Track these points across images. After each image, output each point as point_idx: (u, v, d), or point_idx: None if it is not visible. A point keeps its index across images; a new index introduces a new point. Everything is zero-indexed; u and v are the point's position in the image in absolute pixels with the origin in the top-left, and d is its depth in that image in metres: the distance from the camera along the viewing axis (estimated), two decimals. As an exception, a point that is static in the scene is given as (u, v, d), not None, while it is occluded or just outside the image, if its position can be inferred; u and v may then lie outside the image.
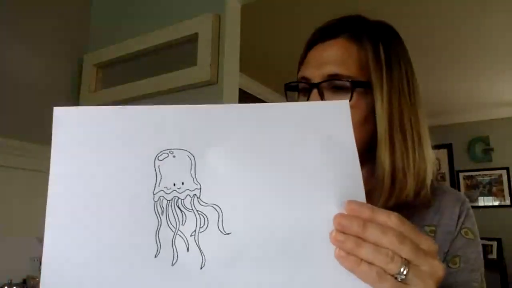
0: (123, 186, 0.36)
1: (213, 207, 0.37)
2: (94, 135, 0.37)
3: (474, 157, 4.19)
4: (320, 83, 0.63)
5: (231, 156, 0.38)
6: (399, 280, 0.37)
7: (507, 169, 4.06)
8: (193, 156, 0.38)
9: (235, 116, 0.39)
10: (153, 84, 1.46)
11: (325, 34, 0.68)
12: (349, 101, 0.59)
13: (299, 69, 0.71)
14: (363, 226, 0.37)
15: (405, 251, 0.37)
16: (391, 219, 0.38)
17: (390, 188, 0.60)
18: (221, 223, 0.36)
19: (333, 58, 0.65)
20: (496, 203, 4.08)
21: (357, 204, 0.38)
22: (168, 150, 0.37)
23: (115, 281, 0.35)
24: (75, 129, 0.37)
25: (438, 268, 0.38)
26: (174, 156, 0.37)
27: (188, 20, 1.45)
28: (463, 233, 0.64)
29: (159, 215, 0.36)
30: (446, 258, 0.62)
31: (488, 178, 4.15)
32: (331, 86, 0.63)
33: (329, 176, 0.38)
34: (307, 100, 0.63)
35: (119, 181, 0.36)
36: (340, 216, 0.38)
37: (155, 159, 0.37)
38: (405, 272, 0.37)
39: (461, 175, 4.23)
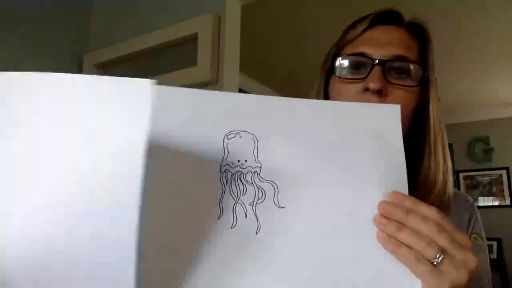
0: (197, 158, 0.42)
1: (270, 183, 0.42)
2: (185, 112, 0.43)
3: (474, 157, 4.19)
4: (387, 60, 0.59)
5: (289, 142, 0.43)
6: (435, 264, 0.40)
7: (507, 169, 4.06)
8: (257, 139, 0.43)
9: (297, 109, 0.45)
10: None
11: (387, 18, 0.65)
12: (414, 86, 0.60)
13: (340, 48, 0.66)
14: (405, 213, 0.41)
15: (442, 240, 0.40)
16: (431, 211, 0.42)
17: (430, 187, 0.60)
18: (276, 198, 0.42)
19: (399, 41, 0.62)
20: (496, 203, 4.08)
21: (401, 194, 0.43)
22: (236, 131, 0.43)
23: (185, 237, 0.40)
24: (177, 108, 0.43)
25: (471, 260, 0.41)
26: (240, 137, 0.43)
27: (188, 20, 1.45)
28: (472, 239, 0.64)
29: (223, 184, 0.42)
30: None
31: (488, 178, 4.15)
32: (394, 67, 0.60)
33: (376, 170, 0.43)
34: (366, 76, 0.59)
35: (194, 153, 0.42)
36: (384, 202, 0.42)
37: (224, 137, 0.43)
38: (440, 258, 0.40)
39: (461, 175, 4.23)
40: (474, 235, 0.64)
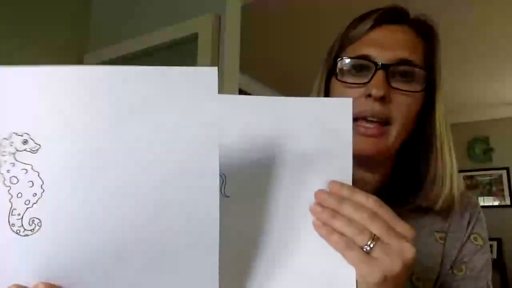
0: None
1: (220, 174, 0.41)
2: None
3: (474, 157, 4.19)
4: (390, 65, 0.57)
5: (237, 136, 0.44)
6: (366, 251, 0.41)
7: (507, 169, 4.06)
8: None
9: (251, 104, 0.45)
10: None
11: (392, 16, 0.62)
12: (419, 92, 0.58)
13: (343, 47, 0.64)
14: (339, 201, 0.42)
15: (375, 228, 0.41)
16: (368, 200, 0.42)
17: (437, 191, 0.60)
18: (223, 188, 0.43)
19: (404, 43, 0.60)
20: (496, 203, 4.08)
21: (339, 183, 0.44)
22: None
23: None
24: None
25: (407, 250, 0.41)
26: None
27: (188, 20, 1.45)
28: (472, 239, 0.63)
29: None
30: (453, 264, 0.61)
31: (488, 178, 4.14)
32: (399, 71, 0.58)
33: (321, 162, 0.44)
34: (369, 80, 0.57)
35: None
36: (320, 191, 0.44)
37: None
38: (371, 245, 0.41)
39: (461, 175, 4.23)
40: (474, 235, 0.62)
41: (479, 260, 0.61)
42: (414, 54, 0.59)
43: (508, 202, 4.03)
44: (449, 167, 0.60)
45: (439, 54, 0.62)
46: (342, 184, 0.43)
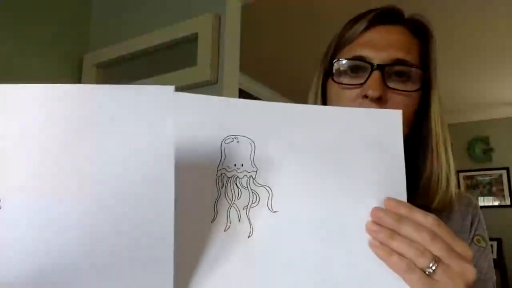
0: (195, 161, 0.43)
1: (265, 188, 0.43)
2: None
3: (474, 157, 4.19)
4: (386, 65, 0.58)
5: (286, 148, 0.44)
6: (427, 273, 0.39)
7: (507, 169, 4.06)
8: (254, 143, 0.44)
9: (296, 114, 0.45)
10: (153, 84, 1.46)
11: (387, 17, 0.62)
12: (415, 91, 0.58)
13: (339, 48, 0.64)
14: (398, 220, 0.40)
15: (436, 249, 0.39)
16: (427, 219, 0.40)
17: (433, 190, 0.59)
18: (270, 202, 0.43)
19: (399, 43, 0.60)
20: (496, 203, 4.08)
21: (396, 201, 0.41)
22: (234, 136, 0.44)
23: (180, 239, 0.40)
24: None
25: (469, 271, 0.39)
26: (238, 141, 0.44)
27: (188, 20, 1.45)
28: (475, 241, 0.62)
29: (219, 188, 0.43)
30: None
31: (488, 178, 4.15)
32: (394, 71, 0.58)
33: (374, 176, 0.43)
34: (365, 81, 0.57)
35: (192, 156, 0.43)
36: (377, 208, 0.41)
37: (222, 142, 0.43)
38: (434, 268, 0.39)
39: (461, 175, 4.23)
40: (477, 237, 0.62)
41: (484, 262, 0.61)
42: (409, 54, 0.59)
43: (508, 202, 4.03)
44: (445, 167, 0.60)
45: (434, 53, 0.63)
46: (399, 202, 0.41)
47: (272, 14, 2.41)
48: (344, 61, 0.61)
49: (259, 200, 0.42)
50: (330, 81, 0.63)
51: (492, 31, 2.56)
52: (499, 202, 4.07)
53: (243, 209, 0.42)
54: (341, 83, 0.60)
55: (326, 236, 0.42)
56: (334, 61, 0.62)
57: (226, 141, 0.43)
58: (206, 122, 0.43)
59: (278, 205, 0.42)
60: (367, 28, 0.61)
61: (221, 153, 0.43)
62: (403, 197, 0.42)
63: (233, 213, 0.42)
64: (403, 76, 0.58)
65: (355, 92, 0.59)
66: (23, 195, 0.36)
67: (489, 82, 3.45)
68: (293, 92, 2.60)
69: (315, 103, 0.66)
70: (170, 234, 0.37)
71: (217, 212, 0.42)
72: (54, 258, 0.36)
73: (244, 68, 1.64)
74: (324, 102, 0.66)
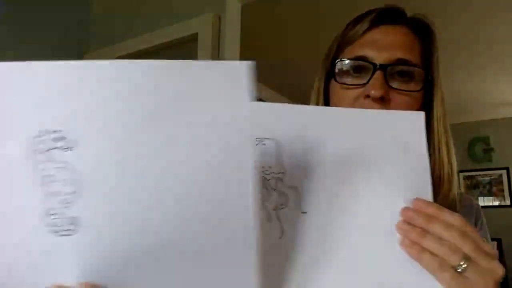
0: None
1: (293, 189, 0.43)
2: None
3: (474, 157, 4.19)
4: (388, 65, 0.58)
5: (313, 149, 0.43)
6: (459, 271, 0.39)
7: (507, 169, 4.06)
8: (281, 145, 0.43)
9: (320, 116, 0.45)
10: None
11: (389, 17, 0.62)
12: (418, 91, 0.58)
13: (341, 48, 0.64)
14: (428, 220, 0.41)
15: (467, 247, 0.40)
16: (455, 218, 0.41)
17: (435, 188, 0.59)
18: (299, 203, 0.42)
19: (402, 43, 0.60)
20: (496, 203, 4.08)
21: (424, 201, 0.42)
22: (260, 138, 0.43)
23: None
24: None
25: (497, 268, 0.40)
26: (264, 144, 0.43)
27: (188, 20, 1.45)
28: None
29: None
30: None
31: (488, 178, 4.14)
32: (397, 71, 0.58)
33: (401, 177, 0.43)
34: (367, 81, 0.57)
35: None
36: (407, 208, 0.42)
37: None
38: (464, 265, 0.39)
39: (461, 175, 4.23)
40: (482, 239, 0.63)
41: None
42: (411, 54, 0.59)
43: (508, 202, 4.03)
44: (447, 167, 0.60)
45: (436, 53, 0.63)
46: (428, 202, 0.42)
47: (272, 14, 2.41)
48: (346, 61, 0.61)
49: (288, 201, 0.42)
50: (332, 82, 0.63)
51: (491, 31, 2.56)
52: (499, 202, 4.07)
53: (273, 210, 0.42)
54: (343, 83, 0.60)
55: (355, 237, 0.42)
56: (336, 61, 0.62)
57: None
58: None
59: (307, 206, 0.42)
60: (369, 28, 0.61)
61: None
62: (429, 197, 0.43)
63: (263, 214, 0.42)
64: (405, 76, 0.58)
65: (357, 92, 0.59)
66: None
67: (489, 82, 3.45)
68: (293, 92, 2.60)
69: (317, 103, 0.66)
70: (250, 216, 0.36)
71: None
72: (128, 258, 0.35)
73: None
74: (326, 103, 0.66)
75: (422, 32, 0.63)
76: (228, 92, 0.36)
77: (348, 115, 0.46)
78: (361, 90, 0.58)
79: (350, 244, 0.42)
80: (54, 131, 0.33)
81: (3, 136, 0.34)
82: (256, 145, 0.43)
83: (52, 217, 0.34)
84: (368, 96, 0.57)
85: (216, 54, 1.37)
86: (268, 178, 0.43)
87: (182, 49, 1.48)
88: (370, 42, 0.60)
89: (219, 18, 1.40)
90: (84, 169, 0.33)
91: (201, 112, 0.35)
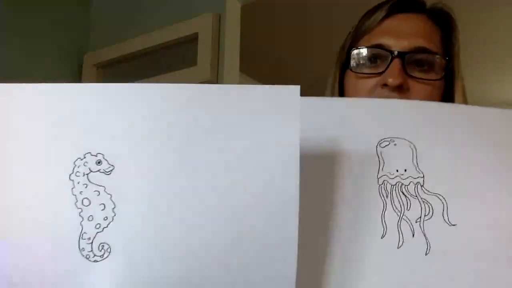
0: (351, 170, 0.38)
1: (437, 196, 0.37)
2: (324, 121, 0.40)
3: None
4: (407, 53, 0.55)
5: (450, 150, 0.38)
6: None
7: (507, 169, 4.06)
8: (414, 146, 0.38)
9: (448, 114, 0.40)
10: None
11: (407, 5, 0.60)
12: (438, 80, 0.56)
13: (357, 38, 0.61)
14: None
15: None
16: None
17: None
18: (446, 214, 0.36)
19: (421, 30, 0.58)
20: (496, 203, 4.07)
21: None
22: (390, 138, 0.39)
23: (347, 259, 0.36)
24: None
25: None
26: (395, 144, 0.38)
27: (188, 20, 1.45)
28: None
29: (383, 198, 0.37)
30: None
31: (488, 178, 4.14)
32: (415, 60, 0.56)
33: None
34: (384, 70, 0.55)
35: (347, 165, 0.38)
36: None
37: (377, 145, 0.38)
38: None
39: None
40: None
41: None
42: (431, 42, 0.57)
43: (508, 202, 4.03)
44: None
45: (457, 42, 0.61)
46: None
47: (272, 14, 2.41)
48: (362, 50, 0.58)
49: (432, 211, 0.37)
50: (348, 72, 0.61)
51: (492, 31, 2.56)
52: (499, 202, 4.07)
53: (416, 222, 0.37)
54: (360, 73, 0.58)
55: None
56: (352, 50, 0.59)
57: (382, 145, 0.38)
58: (354, 127, 0.39)
59: (456, 217, 0.36)
60: (386, 16, 0.59)
61: (379, 158, 0.38)
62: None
63: (404, 227, 0.36)
64: (425, 65, 0.56)
65: (374, 81, 0.56)
66: (139, 196, 0.33)
67: (489, 82, 3.45)
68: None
69: (332, 95, 0.64)
70: (293, 253, 0.32)
71: (386, 226, 0.36)
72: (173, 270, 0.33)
73: (244, 68, 1.65)
74: (342, 95, 0.63)
75: (443, 21, 0.61)
76: (277, 117, 0.33)
77: (476, 113, 0.41)
78: (378, 79, 0.56)
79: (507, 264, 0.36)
80: (96, 154, 0.33)
81: (47, 159, 0.33)
82: (386, 145, 0.38)
83: (86, 241, 0.33)
84: (385, 85, 0.55)
85: (216, 54, 1.37)
86: (405, 184, 0.37)
87: (182, 49, 1.48)
88: (387, 30, 0.58)
89: (219, 18, 1.41)
90: (119, 194, 0.33)
91: (246, 138, 0.33)
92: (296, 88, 0.34)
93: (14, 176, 0.33)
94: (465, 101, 0.60)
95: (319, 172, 0.37)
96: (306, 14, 2.38)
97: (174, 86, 0.34)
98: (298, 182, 0.32)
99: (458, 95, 0.60)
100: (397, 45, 0.56)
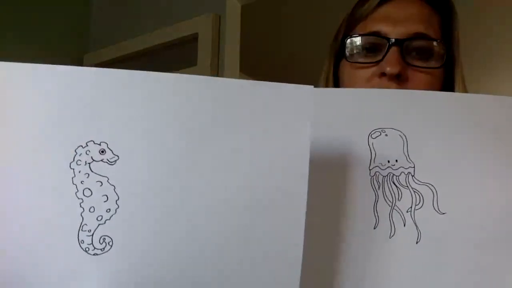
0: (343, 161, 0.38)
1: (427, 186, 0.37)
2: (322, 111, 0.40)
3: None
4: (405, 40, 0.52)
5: (442, 138, 0.38)
6: None
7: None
8: (405, 136, 0.38)
9: (440, 102, 0.40)
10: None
11: None
12: (438, 68, 0.53)
13: (351, 27, 0.58)
14: None
15: None
16: None
17: None
18: (436, 203, 0.37)
19: (419, 16, 0.55)
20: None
21: None
22: (381, 129, 0.38)
23: (341, 250, 0.37)
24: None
25: None
26: (386, 135, 0.38)
27: (188, 20, 1.45)
28: None
29: (375, 189, 0.37)
30: None
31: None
32: (414, 47, 0.53)
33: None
34: (382, 58, 0.53)
35: (339, 156, 0.38)
36: None
37: (368, 136, 0.38)
38: None
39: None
40: None
41: None
42: (430, 28, 0.55)
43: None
44: None
45: (457, 27, 0.59)
46: None
47: (272, 14, 2.41)
48: (357, 38, 0.55)
49: (423, 200, 0.37)
50: (343, 62, 0.58)
51: (492, 31, 2.56)
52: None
53: (407, 211, 0.37)
54: (355, 62, 0.55)
55: (503, 236, 0.36)
56: (346, 38, 0.56)
57: (373, 136, 0.38)
58: (345, 117, 0.39)
59: (445, 205, 0.37)
60: (382, 2, 0.56)
61: (370, 149, 0.38)
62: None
63: (396, 217, 0.37)
64: (424, 53, 0.53)
65: (371, 70, 0.54)
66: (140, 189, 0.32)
67: (489, 82, 3.46)
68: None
69: (326, 88, 0.61)
70: (299, 249, 0.32)
71: (378, 217, 0.37)
72: (173, 266, 0.32)
73: (244, 68, 1.65)
74: (337, 86, 0.61)
75: (441, 7, 0.59)
76: (289, 117, 0.33)
77: (464, 100, 0.41)
78: (375, 68, 0.54)
79: (499, 247, 0.36)
80: (100, 143, 0.32)
81: (46, 146, 0.32)
82: (377, 136, 0.38)
83: (86, 233, 0.32)
84: (383, 75, 0.52)
85: (216, 54, 1.37)
86: (397, 174, 0.38)
87: (182, 49, 1.48)
88: (383, 16, 0.55)
89: (219, 18, 1.41)
90: (123, 187, 0.32)
91: (256, 135, 0.33)
92: (310, 88, 0.33)
93: (11, 163, 0.32)
94: (464, 90, 0.58)
95: (310, 165, 0.36)
96: (306, 14, 2.38)
97: (185, 77, 0.33)
98: (306, 182, 0.32)
99: (458, 84, 0.58)
100: (394, 32, 0.53)
